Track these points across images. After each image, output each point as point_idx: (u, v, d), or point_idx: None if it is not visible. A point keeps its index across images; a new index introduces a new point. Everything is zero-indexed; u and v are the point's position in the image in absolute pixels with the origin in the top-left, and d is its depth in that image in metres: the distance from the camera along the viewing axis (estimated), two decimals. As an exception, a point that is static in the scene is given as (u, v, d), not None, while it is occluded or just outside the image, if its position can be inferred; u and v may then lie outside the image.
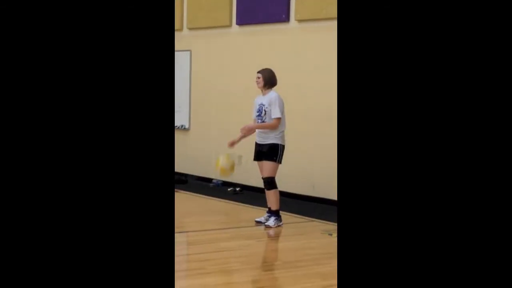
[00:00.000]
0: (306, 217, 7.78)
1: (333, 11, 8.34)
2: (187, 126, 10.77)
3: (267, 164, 7.19)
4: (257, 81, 7.31)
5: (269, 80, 7.29)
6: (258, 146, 7.30)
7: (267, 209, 7.36)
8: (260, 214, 7.51)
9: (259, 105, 7.29)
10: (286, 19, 9.17)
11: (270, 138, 7.16)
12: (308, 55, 8.89)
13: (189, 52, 10.70)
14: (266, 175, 7.21)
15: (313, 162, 8.79)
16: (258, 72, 7.35)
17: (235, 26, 9.97)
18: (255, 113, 7.33)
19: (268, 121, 7.17)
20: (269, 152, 7.17)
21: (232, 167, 7.42)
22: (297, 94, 8.99)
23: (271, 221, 7.19)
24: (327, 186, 8.50)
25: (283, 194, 9.04)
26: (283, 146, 7.22)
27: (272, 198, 7.24)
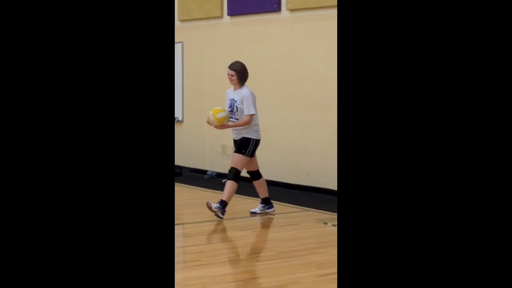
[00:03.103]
0: (301, 207, 7.79)
1: (325, 0, 8.33)
2: (180, 118, 10.75)
3: (235, 156, 7.15)
4: (230, 79, 7.13)
5: (243, 77, 7.12)
6: (234, 142, 7.27)
7: (260, 199, 7.37)
8: (255, 205, 7.51)
9: (231, 100, 7.19)
10: (278, 8, 9.15)
11: (243, 133, 7.10)
12: (300, 44, 8.87)
13: (181, 44, 10.67)
14: (232, 165, 7.14)
15: (308, 151, 8.79)
16: (231, 68, 7.14)
17: (226, 17, 9.95)
18: (227, 107, 7.23)
19: (240, 117, 7.07)
20: (240, 145, 7.13)
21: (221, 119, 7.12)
22: (289, 84, 8.99)
23: (215, 205, 7.02)
24: (321, 175, 8.50)
25: (277, 184, 9.06)
26: (257, 140, 7.14)
27: (226, 189, 7.10)
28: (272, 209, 7.38)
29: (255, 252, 5.86)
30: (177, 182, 9.59)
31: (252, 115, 7.02)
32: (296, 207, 7.81)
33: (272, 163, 9.31)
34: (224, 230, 6.70)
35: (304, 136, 8.83)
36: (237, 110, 7.10)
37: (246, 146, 7.09)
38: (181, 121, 10.75)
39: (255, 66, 9.51)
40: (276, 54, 9.16)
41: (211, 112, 7.18)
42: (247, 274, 5.12)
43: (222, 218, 7.00)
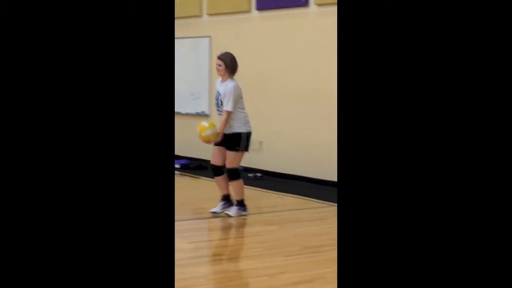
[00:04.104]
0: (327, 202, 7.76)
1: (353, -6, 8.29)
2: (207, 112, 10.76)
3: (229, 154, 6.86)
4: (217, 69, 6.85)
5: (231, 67, 6.84)
6: (224, 136, 6.91)
7: (282, 194, 7.33)
8: (281, 199, 7.50)
9: (217, 92, 6.90)
10: (306, 3, 9.12)
11: (234, 127, 6.81)
12: (327, 39, 8.83)
13: (209, 38, 10.68)
14: (228, 165, 6.89)
15: (334, 146, 8.75)
16: (219, 58, 6.87)
17: (254, 11, 9.94)
18: (214, 99, 7.00)
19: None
20: (231, 142, 6.82)
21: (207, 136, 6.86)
22: (316, 79, 8.95)
23: (233, 211, 6.90)
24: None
25: (304, 179, 9.04)
26: (248, 133, 6.87)
27: (234, 190, 6.92)
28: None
29: (281, 246, 5.85)
30: (202, 176, 9.61)
31: (228, 112, 6.70)
32: (322, 202, 7.78)
33: (298, 158, 9.29)
34: (249, 224, 6.69)
35: (330, 131, 8.80)
36: (221, 103, 6.80)
37: (237, 142, 6.80)
38: (208, 115, 10.76)
39: (282, 61, 9.49)
40: (303, 48, 9.13)
41: (197, 129, 6.91)
42: (272, 269, 5.11)
43: (247, 213, 6.96)
